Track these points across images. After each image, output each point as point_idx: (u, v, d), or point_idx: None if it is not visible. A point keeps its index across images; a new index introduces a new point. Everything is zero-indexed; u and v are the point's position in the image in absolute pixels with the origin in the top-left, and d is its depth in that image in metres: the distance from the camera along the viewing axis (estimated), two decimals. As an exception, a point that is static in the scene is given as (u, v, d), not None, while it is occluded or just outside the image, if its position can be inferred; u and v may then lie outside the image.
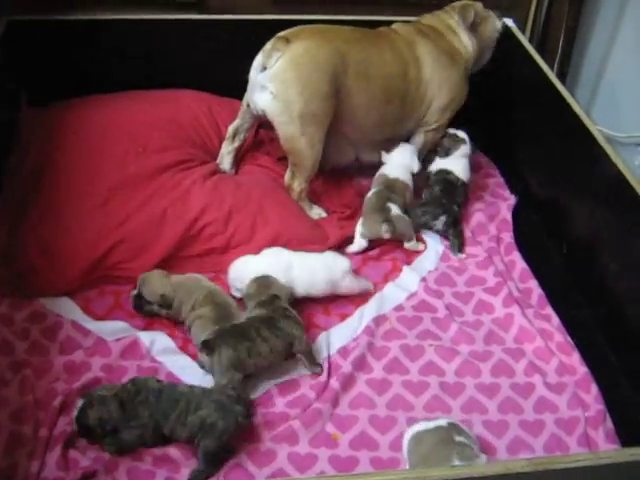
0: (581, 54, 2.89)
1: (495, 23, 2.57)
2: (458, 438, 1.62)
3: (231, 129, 2.46)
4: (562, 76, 2.86)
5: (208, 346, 1.79)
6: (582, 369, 1.95)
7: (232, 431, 1.66)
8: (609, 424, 1.82)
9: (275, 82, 2.19)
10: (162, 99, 2.54)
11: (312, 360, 1.91)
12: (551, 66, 2.70)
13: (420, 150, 2.53)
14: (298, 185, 2.34)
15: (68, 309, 2.04)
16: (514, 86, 2.75)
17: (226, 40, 2.58)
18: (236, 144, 2.47)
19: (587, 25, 2.83)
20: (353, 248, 2.30)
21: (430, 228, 2.39)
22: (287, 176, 2.36)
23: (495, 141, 2.84)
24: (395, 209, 2.30)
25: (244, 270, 2.07)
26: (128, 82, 2.57)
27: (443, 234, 2.38)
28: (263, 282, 1.99)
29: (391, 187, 2.38)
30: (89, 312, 2.04)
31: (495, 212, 2.50)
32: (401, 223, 2.28)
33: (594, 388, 1.90)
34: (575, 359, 1.98)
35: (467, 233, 2.41)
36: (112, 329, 1.99)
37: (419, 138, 2.54)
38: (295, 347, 1.88)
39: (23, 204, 2.19)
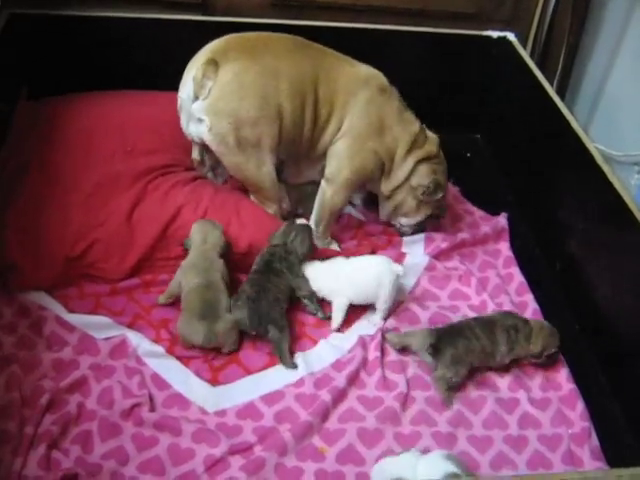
0: (581, 71, 2.89)
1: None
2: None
3: (196, 157, 2.34)
4: (562, 92, 2.86)
5: (435, 348, 1.91)
6: (569, 386, 1.95)
7: None
8: (594, 441, 1.82)
9: (209, 115, 2.09)
10: (157, 101, 2.50)
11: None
12: (551, 82, 2.70)
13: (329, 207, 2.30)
14: (270, 209, 2.27)
15: (51, 305, 2.03)
16: (513, 100, 2.75)
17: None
18: (207, 163, 2.37)
19: (589, 42, 2.84)
20: None
21: None
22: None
23: (491, 155, 2.85)
24: None
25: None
26: (128, 80, 2.55)
27: None
28: None
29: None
30: (70, 311, 2.03)
31: (495, 223, 2.50)
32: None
33: (580, 405, 1.90)
34: (562, 375, 1.98)
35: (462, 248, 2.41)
36: (96, 324, 1.98)
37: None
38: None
39: (9, 198, 2.17)
